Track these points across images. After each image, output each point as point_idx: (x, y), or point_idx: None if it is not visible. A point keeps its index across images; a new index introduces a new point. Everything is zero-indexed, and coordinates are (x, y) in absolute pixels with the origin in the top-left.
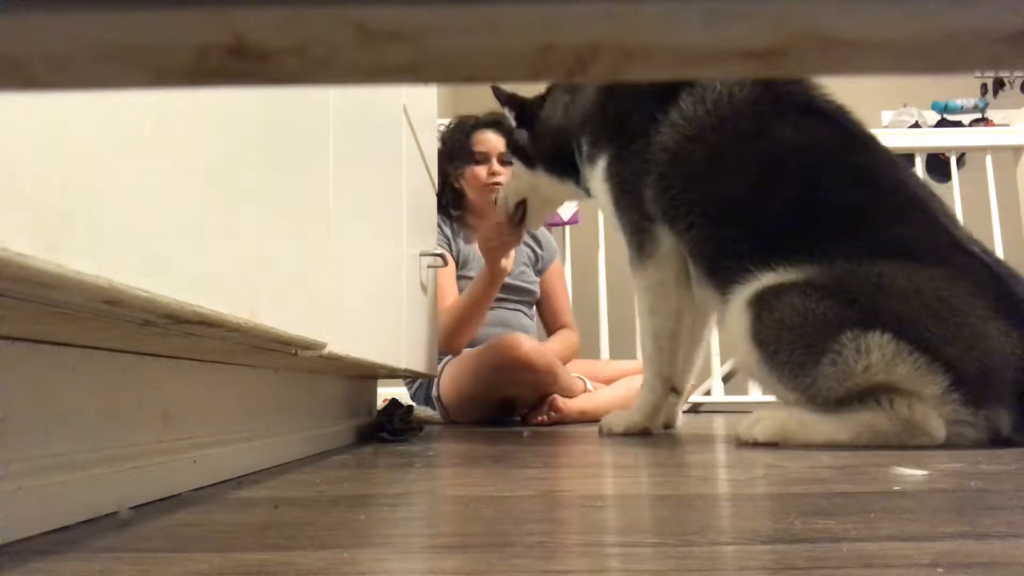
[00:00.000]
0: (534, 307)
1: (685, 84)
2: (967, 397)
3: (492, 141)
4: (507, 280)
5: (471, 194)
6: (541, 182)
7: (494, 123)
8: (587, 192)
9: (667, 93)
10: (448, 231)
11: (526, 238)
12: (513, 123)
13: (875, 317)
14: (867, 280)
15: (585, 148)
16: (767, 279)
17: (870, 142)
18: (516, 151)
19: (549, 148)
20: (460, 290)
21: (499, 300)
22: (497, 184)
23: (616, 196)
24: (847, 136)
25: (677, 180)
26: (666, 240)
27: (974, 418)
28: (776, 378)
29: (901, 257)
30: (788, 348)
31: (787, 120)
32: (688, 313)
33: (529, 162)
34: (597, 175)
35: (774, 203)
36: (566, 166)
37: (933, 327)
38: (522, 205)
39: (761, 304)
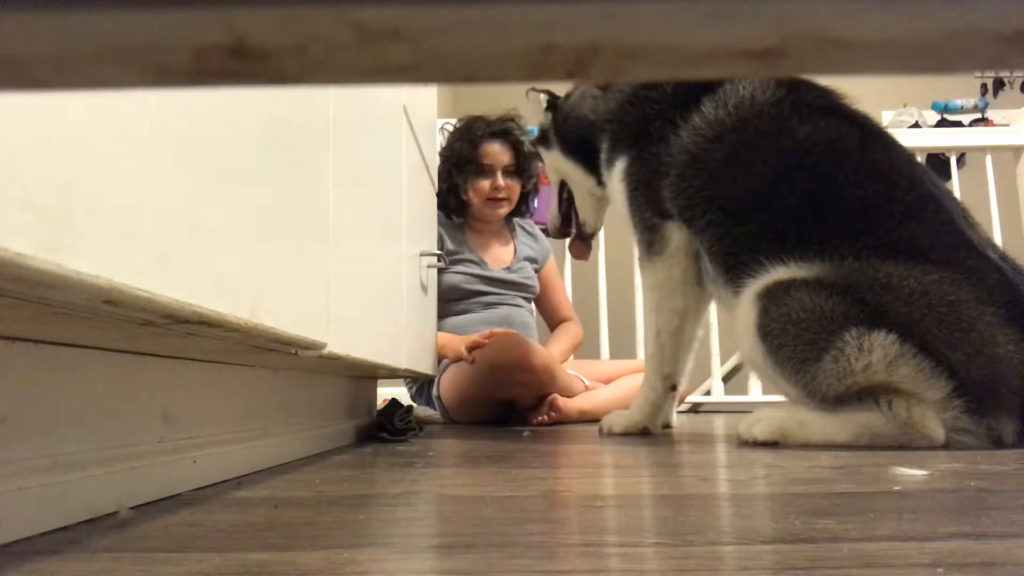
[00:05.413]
0: (533, 303)
1: (707, 90)
2: (970, 404)
3: (497, 154)
4: (510, 276)
5: (475, 205)
6: (562, 165)
7: (502, 133)
8: (599, 184)
9: (689, 100)
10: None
11: (523, 235)
12: (543, 106)
13: (881, 317)
14: (876, 279)
15: (605, 148)
16: (778, 273)
17: (888, 141)
18: (540, 137)
19: (571, 132)
20: (455, 281)
21: (502, 296)
22: (500, 198)
23: (630, 194)
24: (865, 135)
25: (695, 180)
26: (675, 239)
27: (976, 426)
28: (779, 372)
29: (912, 258)
30: (792, 343)
31: (807, 120)
32: (691, 312)
33: (547, 143)
34: (615, 176)
35: (790, 199)
36: (585, 155)
37: (939, 331)
38: (566, 206)
39: (769, 298)
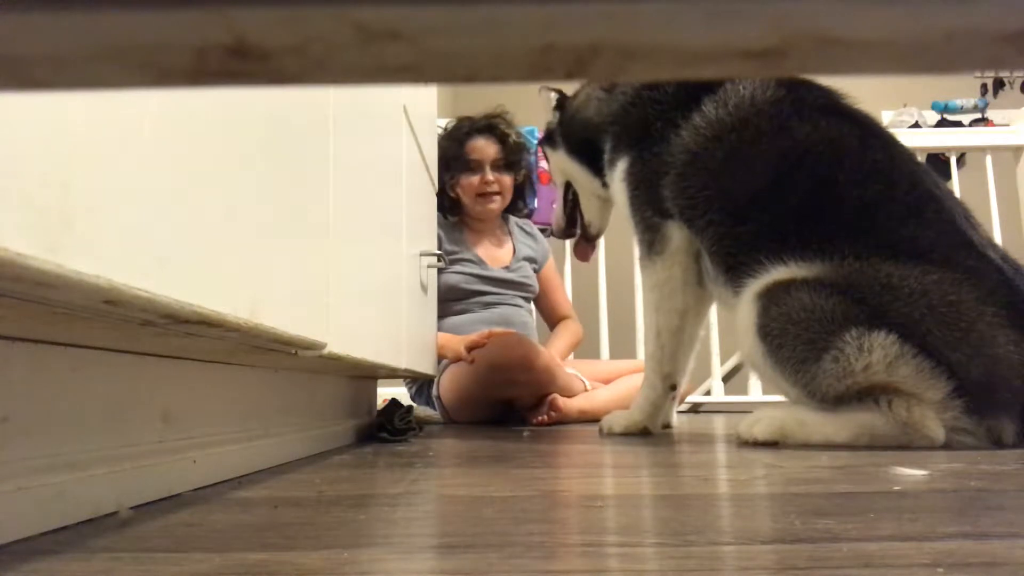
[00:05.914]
0: (532, 302)
1: (708, 90)
2: (970, 405)
3: (483, 148)
4: (509, 276)
5: (467, 202)
6: (567, 166)
7: (487, 128)
8: (604, 186)
9: (690, 99)
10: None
11: (522, 235)
12: (552, 104)
13: (881, 317)
14: (876, 279)
15: (608, 149)
16: (778, 273)
17: (889, 141)
18: (546, 137)
19: (575, 134)
20: (454, 280)
21: (502, 296)
22: (491, 193)
23: (631, 194)
24: (866, 135)
25: (696, 179)
26: (676, 238)
27: (976, 427)
28: (779, 372)
29: (913, 258)
30: (792, 343)
31: (807, 119)
32: (691, 312)
33: (553, 143)
34: (617, 176)
35: (791, 199)
36: (589, 156)
37: (939, 331)
38: (571, 207)
39: (769, 297)
